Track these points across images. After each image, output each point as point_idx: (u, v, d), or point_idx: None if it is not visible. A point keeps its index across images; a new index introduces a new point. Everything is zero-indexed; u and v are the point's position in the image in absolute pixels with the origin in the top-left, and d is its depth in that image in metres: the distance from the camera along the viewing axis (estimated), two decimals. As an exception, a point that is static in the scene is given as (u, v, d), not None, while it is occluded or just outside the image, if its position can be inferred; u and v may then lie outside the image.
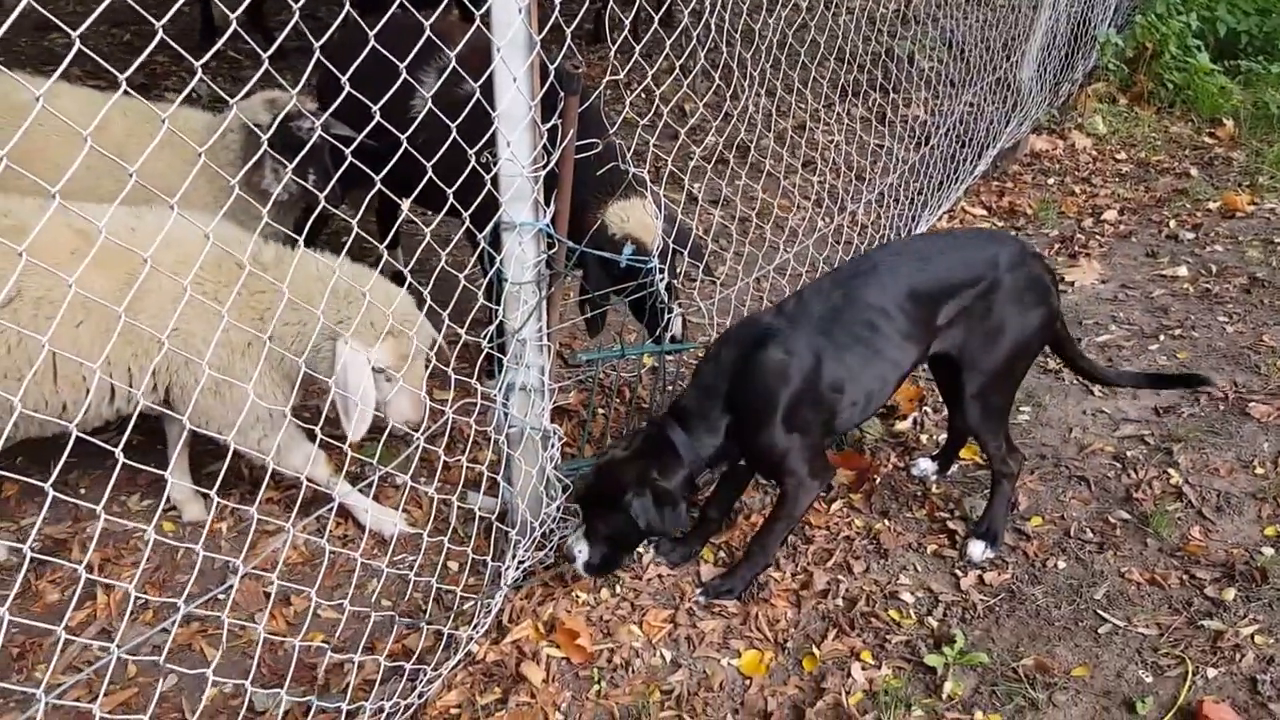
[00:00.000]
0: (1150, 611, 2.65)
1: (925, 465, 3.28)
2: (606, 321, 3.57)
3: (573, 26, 2.52)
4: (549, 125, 2.48)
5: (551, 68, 2.43)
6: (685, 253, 3.30)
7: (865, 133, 4.96)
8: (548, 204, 2.60)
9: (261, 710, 2.52)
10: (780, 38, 3.67)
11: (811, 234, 4.30)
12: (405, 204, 2.47)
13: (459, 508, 2.84)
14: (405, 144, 2.09)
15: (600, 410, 3.62)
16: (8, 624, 1.38)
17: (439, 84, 2.78)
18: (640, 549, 2.95)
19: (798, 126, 5.08)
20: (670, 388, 3.57)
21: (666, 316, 3.21)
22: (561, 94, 2.50)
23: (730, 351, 2.70)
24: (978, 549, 2.90)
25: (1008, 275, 2.69)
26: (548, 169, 2.54)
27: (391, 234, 4.10)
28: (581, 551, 2.70)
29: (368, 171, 2.00)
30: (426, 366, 2.85)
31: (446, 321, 2.30)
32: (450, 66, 2.34)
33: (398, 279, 2.91)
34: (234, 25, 1.65)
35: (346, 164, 2.05)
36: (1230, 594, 2.65)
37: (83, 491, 3.13)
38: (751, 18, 3.40)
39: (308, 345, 2.69)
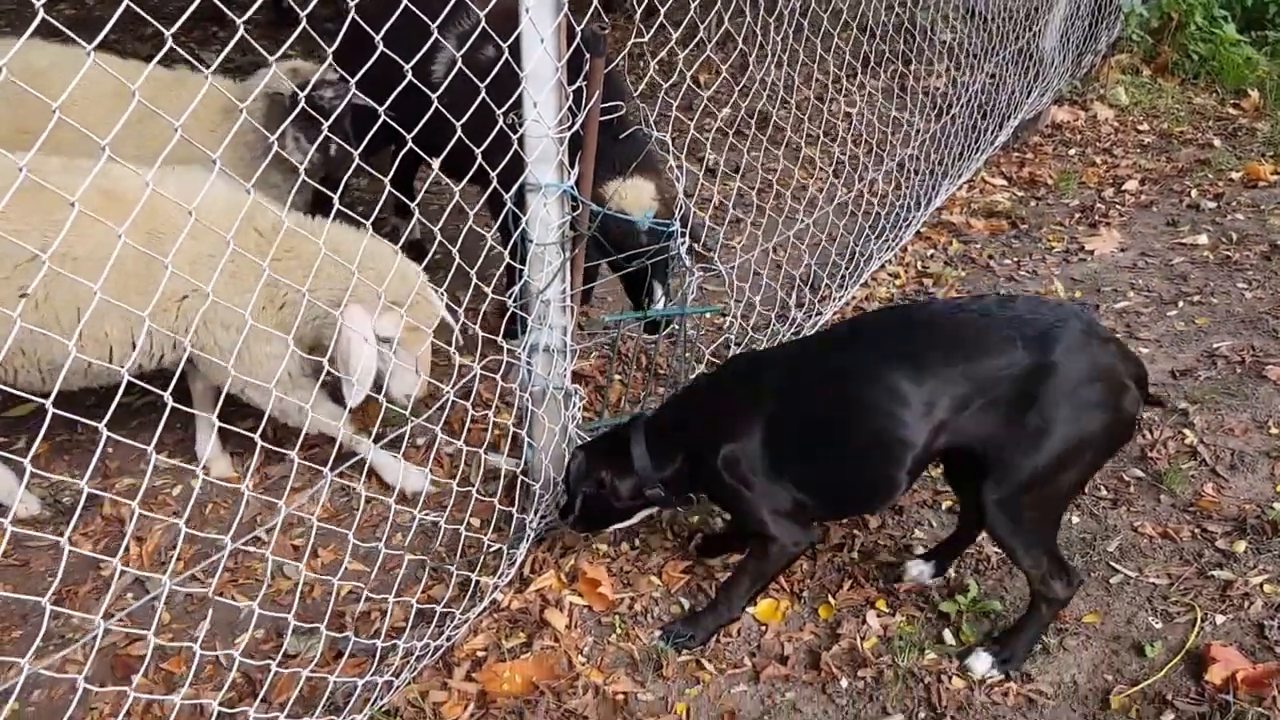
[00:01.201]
0: (1161, 563, 2.70)
1: (917, 569, 2.72)
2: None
3: (597, -10, 2.57)
4: (574, 87, 2.55)
5: (579, 29, 2.49)
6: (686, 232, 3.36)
7: (886, 102, 4.98)
8: (571, 166, 2.66)
9: (294, 654, 2.63)
10: (802, 4, 3.69)
11: (831, 202, 4.34)
12: (435, 164, 2.52)
13: (483, 466, 2.93)
14: (435, 103, 2.16)
15: (618, 376, 3.69)
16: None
17: (462, 49, 2.84)
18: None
19: (817, 96, 5.11)
20: (687, 354, 3.63)
21: (659, 289, 3.29)
22: (587, 56, 2.56)
23: (709, 383, 2.71)
24: (982, 663, 2.39)
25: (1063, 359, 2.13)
26: (572, 131, 2.61)
27: (406, 202, 4.19)
28: (573, 511, 2.67)
29: (400, 132, 2.07)
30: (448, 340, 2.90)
31: (475, 282, 2.37)
32: (473, 30, 2.42)
33: (412, 247, 2.99)
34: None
35: (369, 134, 2.12)
36: (1241, 546, 2.70)
37: (110, 451, 3.25)
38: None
39: (309, 312, 2.74)
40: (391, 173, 2.77)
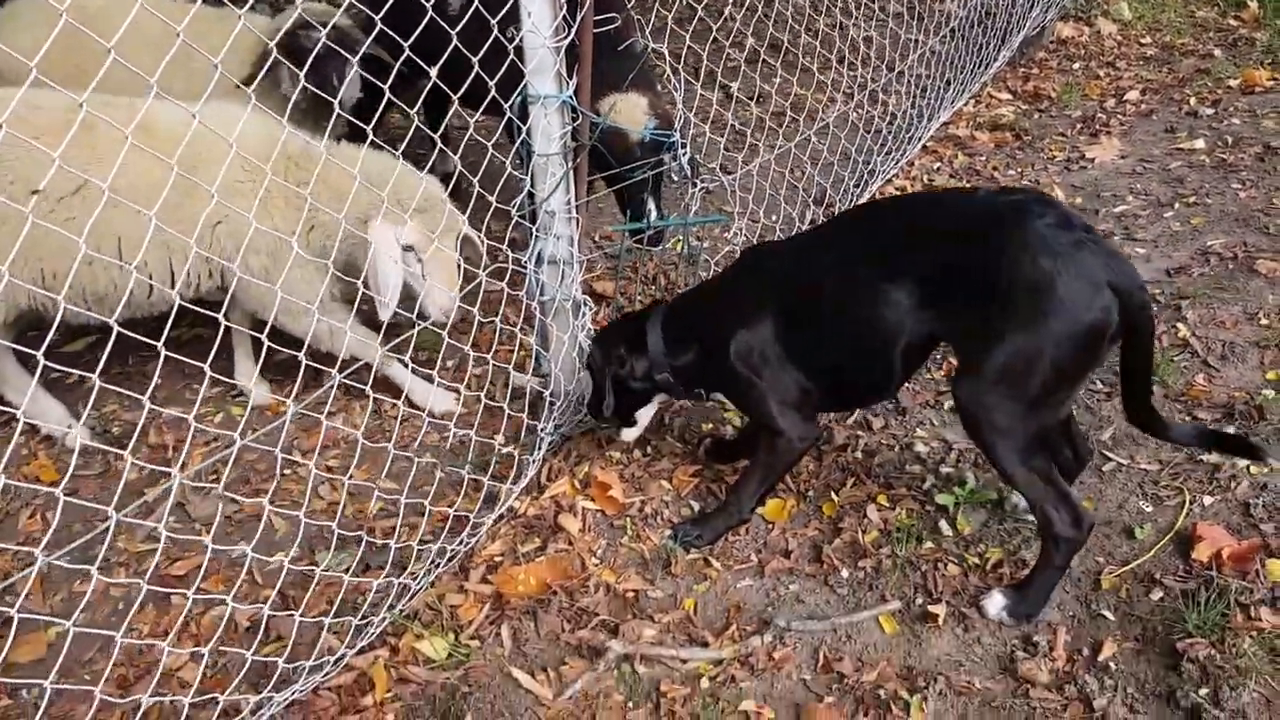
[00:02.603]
0: (1153, 450, 2.78)
1: (996, 602, 2.36)
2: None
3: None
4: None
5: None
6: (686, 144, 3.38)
7: (897, 27, 4.95)
8: (570, 77, 2.69)
9: (326, 569, 2.73)
10: None
11: (841, 121, 4.34)
12: (455, 99, 2.57)
13: (511, 383, 2.99)
14: (455, 40, 2.20)
15: (639, 296, 3.74)
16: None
17: None
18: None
19: (829, 27, 5.07)
20: (693, 264, 3.68)
21: (651, 202, 3.33)
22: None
23: (722, 277, 2.74)
24: (995, 604, 2.33)
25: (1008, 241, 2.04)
26: (569, 41, 2.63)
27: (430, 134, 4.21)
28: (593, 402, 2.82)
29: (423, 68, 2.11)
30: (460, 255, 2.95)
31: (494, 204, 2.44)
32: None
33: (448, 179, 3.03)
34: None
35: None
36: (1230, 431, 2.77)
37: (158, 382, 3.33)
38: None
39: (338, 233, 2.79)
40: (419, 105, 2.82)
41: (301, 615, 2.27)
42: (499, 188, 2.54)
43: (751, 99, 4.93)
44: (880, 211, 2.55)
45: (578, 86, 2.74)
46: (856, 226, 2.48)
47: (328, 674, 2.31)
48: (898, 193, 4.49)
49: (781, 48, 4.69)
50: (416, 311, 2.74)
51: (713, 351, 2.56)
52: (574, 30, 2.62)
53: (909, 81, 4.94)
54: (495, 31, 2.45)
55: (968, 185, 4.50)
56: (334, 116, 2.96)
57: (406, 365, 3.20)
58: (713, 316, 2.61)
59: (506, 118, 2.68)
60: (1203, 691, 2.05)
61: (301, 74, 2.38)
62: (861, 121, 4.56)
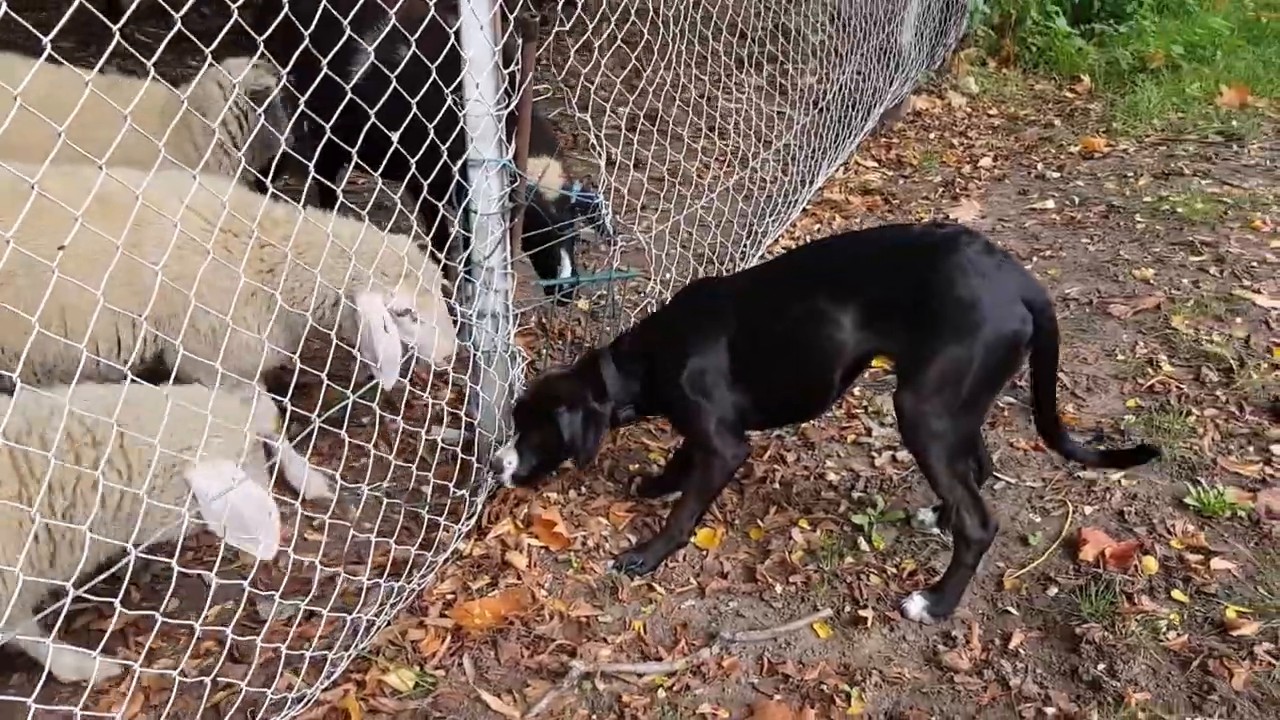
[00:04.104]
0: (1035, 470, 3.15)
1: (917, 604, 2.63)
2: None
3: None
4: (509, 70, 2.79)
5: (511, 17, 2.74)
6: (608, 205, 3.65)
7: (763, 100, 5.38)
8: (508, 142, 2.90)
9: (264, 618, 2.76)
10: (677, 14, 3.98)
11: (723, 188, 4.68)
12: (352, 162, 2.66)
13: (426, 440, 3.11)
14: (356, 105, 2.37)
15: (544, 350, 3.95)
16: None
17: (379, 48, 3.03)
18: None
19: (700, 96, 5.44)
20: (613, 318, 3.91)
21: (566, 258, 3.58)
22: (520, 41, 2.81)
23: (671, 309, 2.95)
24: (915, 605, 2.59)
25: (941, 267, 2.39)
26: (509, 110, 2.85)
27: (327, 199, 4.32)
28: (510, 463, 2.88)
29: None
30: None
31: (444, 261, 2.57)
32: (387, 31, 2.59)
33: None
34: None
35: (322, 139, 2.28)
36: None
37: None
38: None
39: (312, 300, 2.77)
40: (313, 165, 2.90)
41: (251, 658, 2.31)
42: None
43: (615, 164, 5.23)
44: (827, 245, 2.90)
45: (516, 151, 2.96)
46: (805, 259, 2.82)
47: (292, 713, 2.36)
48: (783, 250, 4.87)
49: (656, 116, 5.04)
50: (410, 366, 2.80)
51: (664, 378, 2.79)
52: (515, 100, 2.86)
53: (783, 151, 5.36)
54: (414, 102, 2.60)
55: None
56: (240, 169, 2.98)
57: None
58: (664, 345, 2.84)
59: (408, 180, 2.79)
60: (1100, 666, 2.37)
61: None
62: (741, 185, 4.93)
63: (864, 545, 2.90)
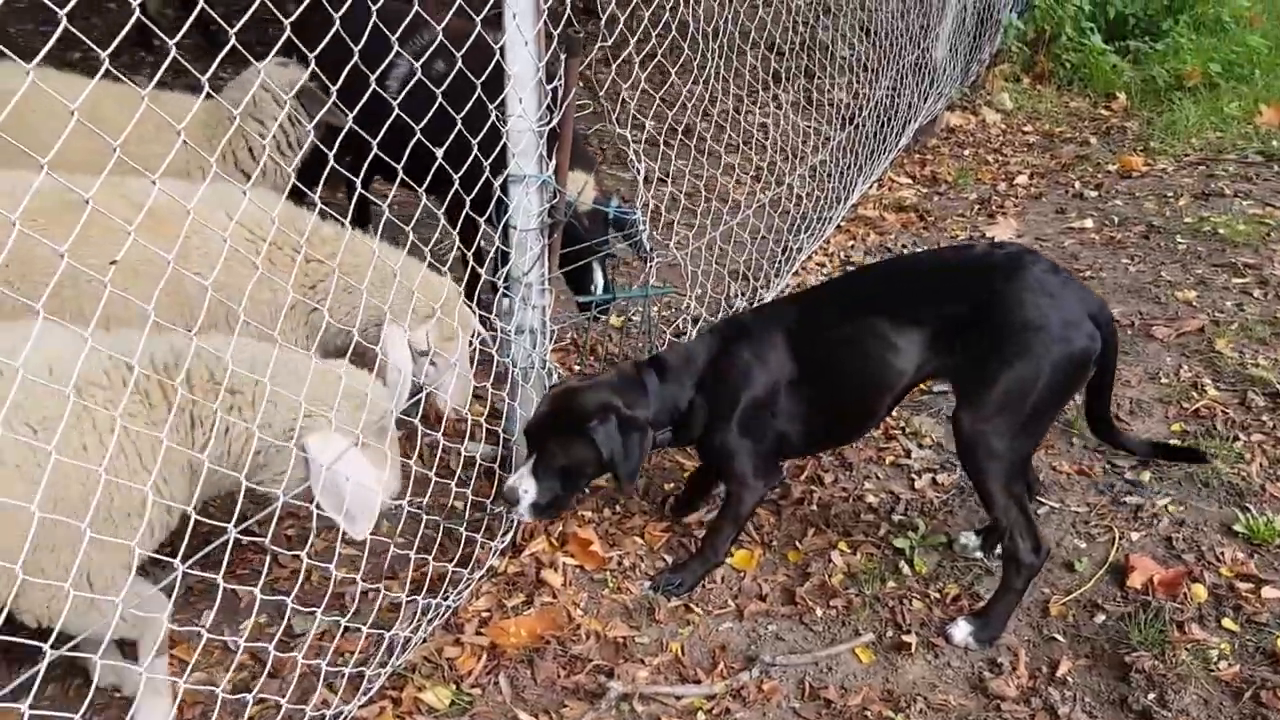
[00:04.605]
0: (1080, 494, 3.09)
1: (962, 629, 2.58)
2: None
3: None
4: (552, 85, 2.79)
5: (556, 33, 2.74)
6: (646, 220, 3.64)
7: (795, 115, 5.37)
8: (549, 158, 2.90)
9: (300, 632, 2.76)
10: (710, 27, 3.96)
11: (753, 206, 4.65)
12: (422, 192, 2.67)
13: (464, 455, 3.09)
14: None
15: (576, 366, 3.93)
16: None
17: (420, 62, 3.02)
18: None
19: (737, 111, 5.42)
20: (647, 334, 3.89)
21: (600, 274, 3.56)
22: (564, 57, 2.81)
23: (717, 336, 2.79)
24: (961, 631, 2.55)
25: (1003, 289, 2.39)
26: (550, 126, 2.85)
27: (358, 211, 4.33)
28: (527, 492, 2.59)
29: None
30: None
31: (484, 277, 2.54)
32: (430, 46, 2.59)
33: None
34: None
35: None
36: (1146, 476, 3.12)
37: None
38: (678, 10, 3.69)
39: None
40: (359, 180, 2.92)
41: (288, 674, 2.31)
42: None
43: (661, 180, 5.22)
44: (885, 268, 2.84)
45: (556, 167, 2.96)
46: (863, 283, 2.76)
47: (332, 730, 2.35)
48: (819, 267, 4.85)
49: (694, 132, 5.03)
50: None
51: (715, 413, 2.68)
52: (557, 116, 2.85)
53: (818, 166, 5.32)
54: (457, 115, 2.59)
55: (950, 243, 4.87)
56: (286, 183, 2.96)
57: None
58: (718, 378, 2.70)
59: (452, 196, 2.75)
60: (1150, 696, 2.32)
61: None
62: (776, 199, 4.90)
63: (906, 569, 2.85)
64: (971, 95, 7.22)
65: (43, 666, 1.62)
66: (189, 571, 1.96)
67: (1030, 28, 7.51)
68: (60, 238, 1.68)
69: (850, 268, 4.85)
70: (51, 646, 1.62)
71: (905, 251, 4.99)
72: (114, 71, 1.61)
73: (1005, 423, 2.38)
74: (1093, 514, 3.01)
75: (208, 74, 1.75)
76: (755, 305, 3.55)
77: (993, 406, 2.39)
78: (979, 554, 2.85)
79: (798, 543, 3.01)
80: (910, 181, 6.05)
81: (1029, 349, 2.33)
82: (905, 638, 2.57)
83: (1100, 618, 2.62)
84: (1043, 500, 3.08)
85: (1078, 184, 5.66)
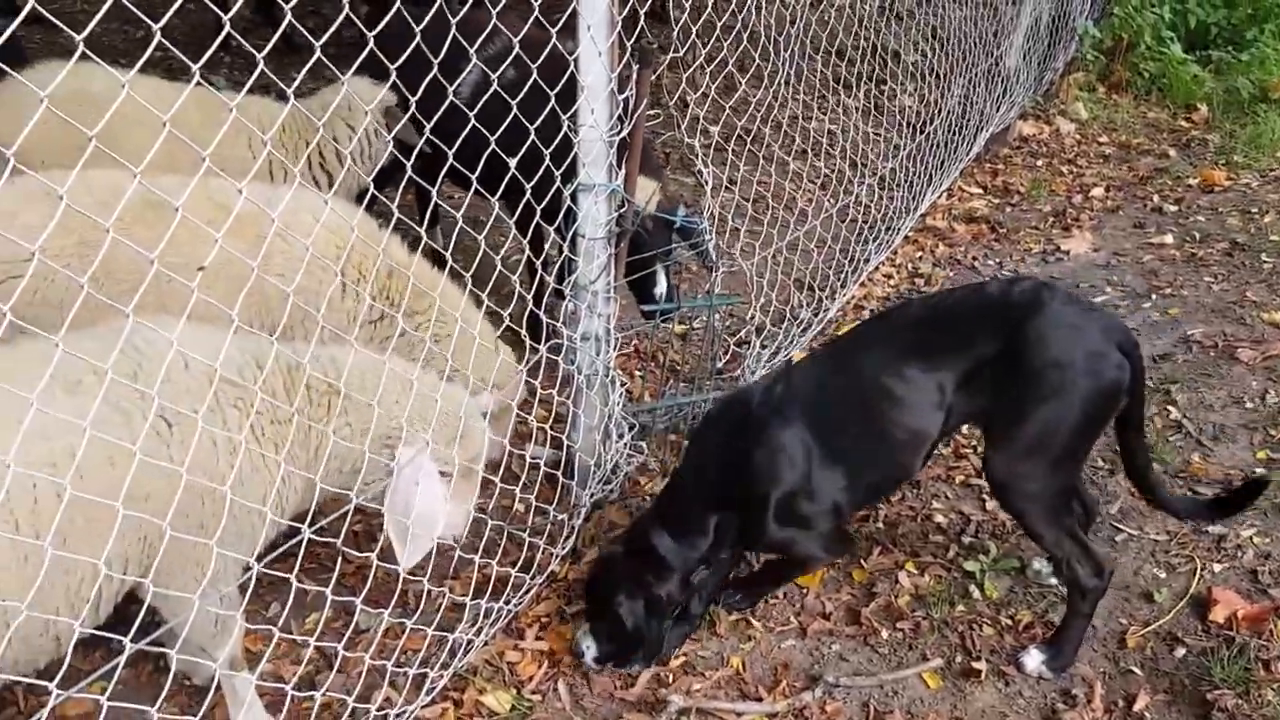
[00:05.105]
0: (1159, 522, 2.98)
1: (1034, 658, 2.52)
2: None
3: (644, 8, 2.80)
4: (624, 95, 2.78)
5: (629, 44, 2.73)
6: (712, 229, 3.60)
7: (862, 122, 5.28)
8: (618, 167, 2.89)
9: (365, 629, 2.78)
10: (782, 36, 3.91)
11: (819, 214, 4.58)
12: (476, 183, 2.65)
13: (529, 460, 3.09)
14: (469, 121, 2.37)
15: (638, 373, 3.91)
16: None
17: (492, 70, 3.02)
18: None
19: (794, 117, 5.35)
20: (711, 345, 3.85)
21: (664, 281, 3.53)
22: (636, 67, 2.80)
23: (714, 441, 2.62)
24: (1033, 660, 2.49)
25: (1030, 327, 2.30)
26: (620, 136, 2.84)
27: (430, 215, 4.37)
28: (589, 647, 2.55)
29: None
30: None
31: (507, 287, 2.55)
32: (503, 54, 2.59)
33: (437, 259, 3.13)
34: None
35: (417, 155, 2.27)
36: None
37: None
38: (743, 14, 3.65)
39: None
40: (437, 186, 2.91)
41: (354, 671, 2.32)
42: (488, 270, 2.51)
43: (722, 186, 5.18)
44: (897, 320, 2.60)
45: (625, 176, 2.95)
46: (875, 339, 2.54)
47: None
48: (885, 278, 4.77)
49: (762, 140, 4.99)
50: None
51: (747, 524, 2.53)
52: (628, 126, 2.84)
53: (887, 175, 5.24)
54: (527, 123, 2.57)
55: (967, 281, 4.78)
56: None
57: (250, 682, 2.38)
58: (731, 483, 2.53)
59: (525, 203, 2.72)
60: (1235, 738, 2.22)
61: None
62: (843, 208, 4.83)
63: (976, 593, 2.78)
64: (1045, 104, 7.06)
65: (124, 658, 1.66)
66: (266, 571, 2.00)
67: (1107, 35, 7.31)
68: (144, 237, 1.72)
69: (918, 279, 4.77)
70: (131, 640, 1.66)
71: (973, 263, 4.89)
72: (203, 83, 1.64)
73: (1039, 463, 2.32)
74: (1173, 543, 2.90)
75: (293, 86, 1.76)
76: (762, 378, 3.42)
77: (1025, 448, 2.33)
78: (1053, 580, 2.76)
79: (863, 561, 2.95)
80: (981, 192, 5.93)
81: (1057, 387, 2.26)
82: (975, 664, 2.50)
83: (1180, 651, 2.52)
84: (1120, 527, 2.98)
85: (1156, 198, 5.50)
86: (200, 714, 1.90)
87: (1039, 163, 6.29)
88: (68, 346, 1.58)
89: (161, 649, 2.25)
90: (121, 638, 1.67)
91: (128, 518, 1.67)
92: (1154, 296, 4.38)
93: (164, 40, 1.42)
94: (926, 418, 2.40)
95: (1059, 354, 2.27)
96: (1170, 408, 3.51)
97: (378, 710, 2.31)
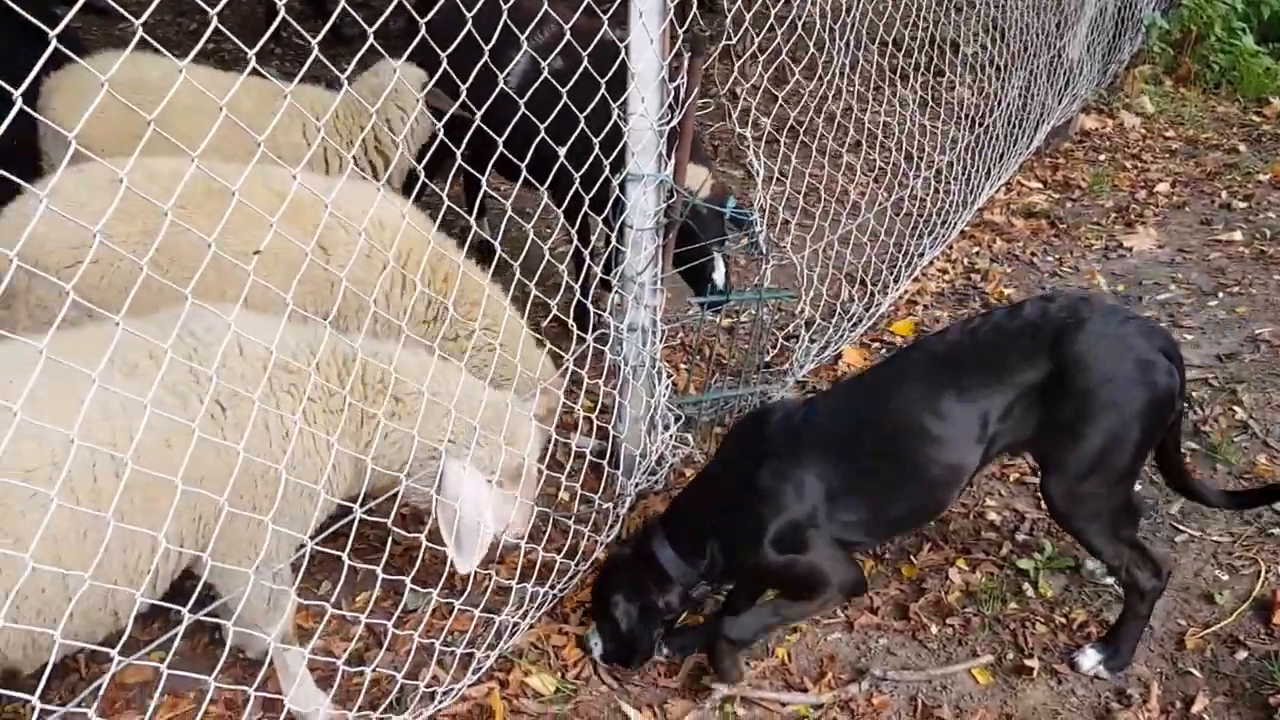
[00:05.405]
0: (1223, 523, 2.90)
1: (1090, 657, 2.47)
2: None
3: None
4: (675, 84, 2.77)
5: (681, 32, 2.72)
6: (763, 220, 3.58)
7: (919, 113, 5.20)
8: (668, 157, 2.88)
9: (413, 609, 2.81)
10: (837, 24, 3.86)
11: (873, 207, 4.52)
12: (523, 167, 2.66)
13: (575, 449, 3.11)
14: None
15: (684, 365, 3.90)
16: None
17: (541, 59, 3.03)
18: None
19: (847, 109, 5.27)
20: (758, 339, 3.83)
21: (721, 270, 3.50)
22: (688, 55, 2.79)
23: (728, 457, 2.56)
24: (1089, 659, 2.44)
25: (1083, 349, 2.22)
26: (670, 125, 2.83)
27: (478, 205, 4.41)
28: (596, 645, 2.55)
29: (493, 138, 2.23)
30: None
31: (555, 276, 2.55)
32: (553, 42, 2.60)
33: (486, 250, 3.14)
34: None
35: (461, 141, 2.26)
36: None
37: None
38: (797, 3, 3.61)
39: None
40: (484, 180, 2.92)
41: (402, 649, 2.35)
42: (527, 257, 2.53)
43: (771, 179, 5.12)
44: (935, 350, 2.43)
45: (675, 165, 2.94)
46: (915, 370, 2.40)
47: (440, 706, 2.40)
48: (940, 273, 4.69)
49: (816, 131, 4.94)
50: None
51: (741, 551, 2.40)
52: (679, 115, 2.83)
53: (944, 168, 5.14)
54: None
55: (1024, 276, 4.69)
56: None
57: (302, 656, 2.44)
58: (732, 510, 2.43)
59: (573, 193, 2.71)
60: (1299, 745, 2.14)
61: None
62: (901, 209, 4.76)
63: (1029, 591, 2.73)
64: (1109, 97, 6.89)
65: (182, 628, 1.70)
66: (318, 549, 2.04)
67: (1175, 27, 7.12)
68: (205, 225, 1.76)
69: (974, 274, 4.68)
70: (190, 609, 1.71)
71: (1032, 259, 4.79)
72: (259, 70, 1.67)
73: (1100, 482, 2.27)
74: (1236, 544, 2.82)
75: (346, 72, 1.79)
76: (797, 399, 3.36)
77: (1084, 469, 2.26)
78: (1108, 580, 2.70)
79: (912, 557, 2.91)
80: (1041, 186, 5.80)
81: (1111, 402, 2.21)
82: (1027, 662, 2.46)
83: (1241, 654, 2.44)
84: (1180, 528, 2.90)
85: (1225, 194, 5.33)
86: (254, 685, 1.93)
87: (1101, 157, 6.14)
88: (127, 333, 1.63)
89: (217, 620, 2.31)
90: (180, 607, 1.72)
91: (183, 498, 1.72)
92: (1220, 294, 4.25)
93: (220, 26, 1.44)
94: (965, 453, 2.30)
95: (1109, 368, 2.21)
96: (1236, 408, 3.41)
97: (425, 687, 2.34)
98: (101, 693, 1.73)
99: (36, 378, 1.40)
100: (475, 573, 2.69)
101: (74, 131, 1.26)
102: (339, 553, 2.06)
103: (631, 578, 2.51)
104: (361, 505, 2.06)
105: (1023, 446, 2.39)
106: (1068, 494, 2.29)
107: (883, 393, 2.40)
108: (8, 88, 1.17)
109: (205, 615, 1.81)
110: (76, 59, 1.44)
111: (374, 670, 2.25)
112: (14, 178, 1.36)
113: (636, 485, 3.16)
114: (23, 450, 1.70)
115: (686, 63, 2.82)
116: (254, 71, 1.78)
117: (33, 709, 1.43)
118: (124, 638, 1.79)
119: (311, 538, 2.12)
